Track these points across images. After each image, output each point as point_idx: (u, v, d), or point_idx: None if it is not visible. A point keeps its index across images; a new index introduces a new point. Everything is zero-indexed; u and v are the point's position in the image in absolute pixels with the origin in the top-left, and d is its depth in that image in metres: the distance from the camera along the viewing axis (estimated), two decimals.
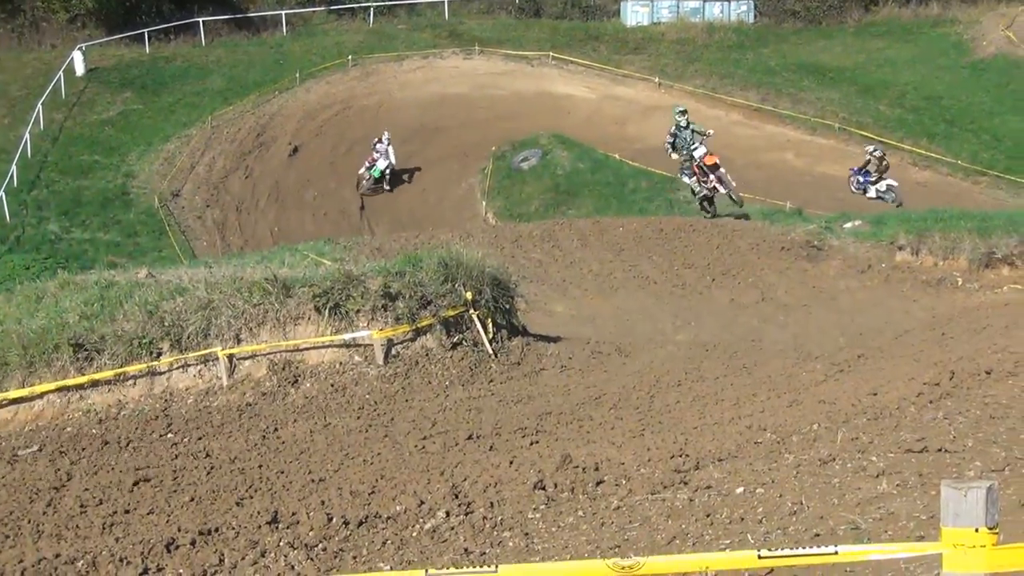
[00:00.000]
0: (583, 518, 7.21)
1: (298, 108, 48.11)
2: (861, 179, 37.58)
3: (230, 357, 12.83)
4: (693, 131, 28.41)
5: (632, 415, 10.61)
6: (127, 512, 8.92)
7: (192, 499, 9.10)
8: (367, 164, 41.51)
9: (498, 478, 8.24)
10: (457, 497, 7.85)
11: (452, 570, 6.52)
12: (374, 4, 58.09)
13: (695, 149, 28.01)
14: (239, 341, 12.96)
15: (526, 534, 7.09)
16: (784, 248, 24.07)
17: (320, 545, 7.41)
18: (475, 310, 14.08)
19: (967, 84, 50.80)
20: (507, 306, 14.86)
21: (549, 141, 41.94)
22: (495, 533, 7.22)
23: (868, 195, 37.14)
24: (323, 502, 8.27)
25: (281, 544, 7.44)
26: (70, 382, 12.38)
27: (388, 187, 41.72)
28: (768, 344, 16.13)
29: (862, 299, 21.32)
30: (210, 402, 12.49)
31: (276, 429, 11.47)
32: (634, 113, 46.78)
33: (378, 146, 41.16)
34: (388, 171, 41.45)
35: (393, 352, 13.35)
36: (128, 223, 38.90)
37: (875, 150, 38.07)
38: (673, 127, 28.54)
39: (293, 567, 7.12)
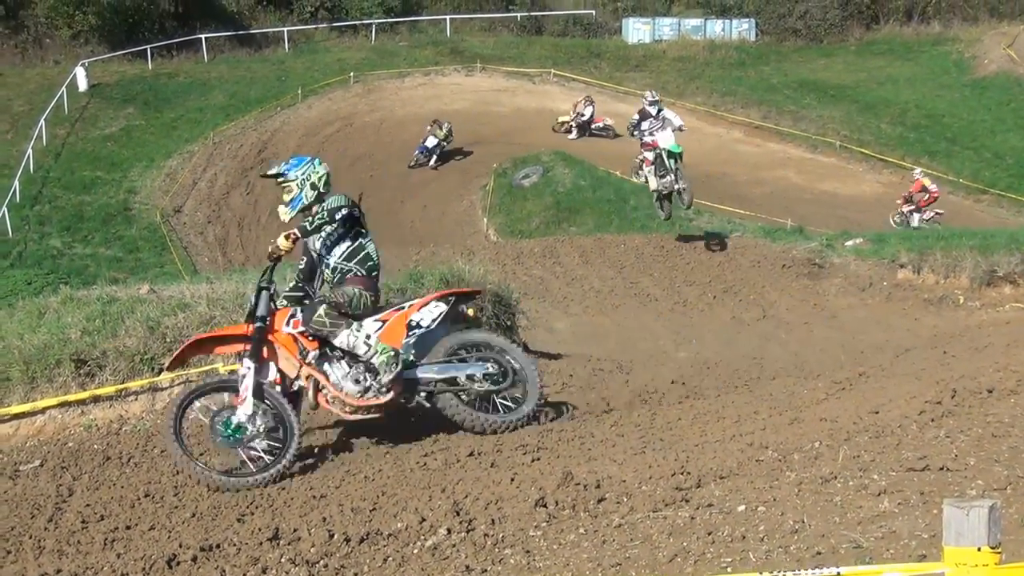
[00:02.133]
0: (584, 535, 7.20)
1: (300, 124, 48.29)
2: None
3: (231, 373, 12.82)
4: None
5: (633, 432, 10.60)
6: (128, 528, 8.91)
7: (193, 515, 9.10)
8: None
9: (499, 495, 8.23)
10: (458, 514, 7.85)
11: None
12: (376, 21, 58.33)
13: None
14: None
15: (527, 551, 7.08)
16: (785, 266, 24.11)
17: (321, 562, 7.40)
18: (477, 327, 14.08)
19: (968, 102, 50.99)
20: (508, 323, 14.86)
21: (550, 158, 42.04)
22: (496, 550, 7.21)
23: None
24: (324, 518, 8.27)
25: (282, 560, 7.43)
26: (72, 397, 12.38)
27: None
28: (769, 362, 16.13)
29: (863, 317, 21.33)
30: None
31: None
32: None
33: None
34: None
35: None
36: (130, 239, 38.99)
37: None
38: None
39: None
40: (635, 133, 25.39)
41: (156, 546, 8.16)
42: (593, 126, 47.59)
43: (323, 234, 10.60)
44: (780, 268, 24.13)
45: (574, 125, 47.54)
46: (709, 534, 6.57)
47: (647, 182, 25.91)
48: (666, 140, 24.40)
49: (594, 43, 59.14)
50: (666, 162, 24.32)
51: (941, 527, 4.06)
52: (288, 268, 12.15)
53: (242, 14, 58.70)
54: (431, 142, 44.63)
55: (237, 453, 10.06)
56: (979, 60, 54.78)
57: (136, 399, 12.59)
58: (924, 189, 36.91)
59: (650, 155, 24.96)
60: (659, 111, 25.15)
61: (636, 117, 25.49)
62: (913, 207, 36.90)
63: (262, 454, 10.02)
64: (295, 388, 10.46)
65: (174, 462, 10.03)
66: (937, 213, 36.52)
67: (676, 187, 24.39)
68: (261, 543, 7.80)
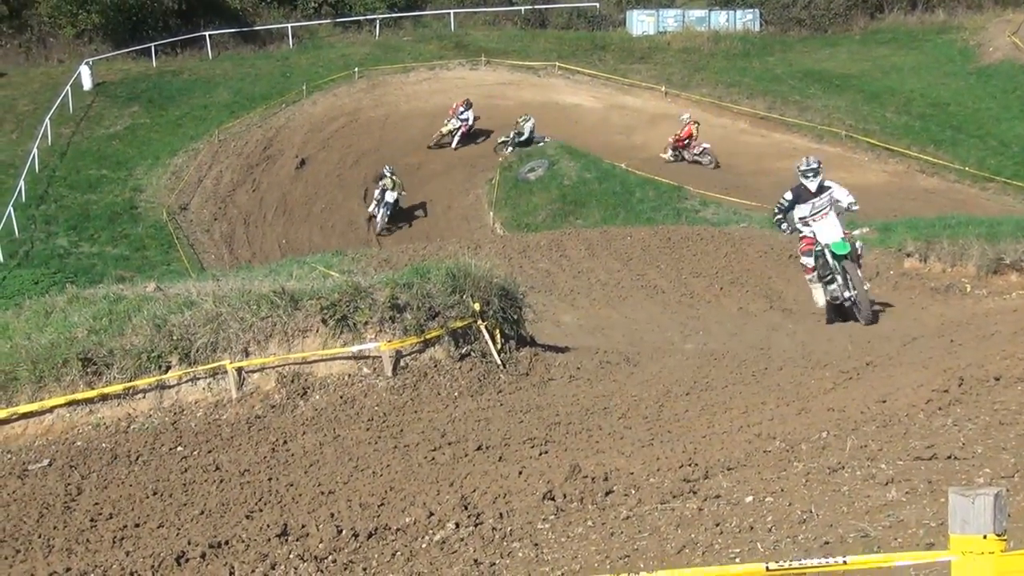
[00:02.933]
0: (592, 528, 7.21)
1: (305, 121, 48.25)
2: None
3: (239, 370, 12.84)
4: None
5: (641, 424, 10.61)
6: (137, 526, 8.94)
7: (202, 512, 9.12)
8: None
9: (507, 489, 8.24)
10: (466, 508, 7.86)
11: None
12: (380, 16, 58.29)
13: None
14: (247, 354, 12.98)
15: (536, 544, 7.09)
16: (792, 256, 24.03)
17: (330, 557, 7.42)
18: (483, 321, 14.08)
19: (973, 90, 50.83)
20: (515, 316, 14.85)
21: (556, 151, 42.01)
22: (505, 544, 7.22)
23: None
24: (333, 514, 8.28)
25: (291, 557, 7.45)
26: (79, 396, 12.40)
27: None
28: (777, 352, 16.10)
29: None
30: (219, 415, 12.50)
31: (285, 442, 11.48)
32: (640, 122, 46.87)
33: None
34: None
35: (401, 363, 13.36)
36: (136, 237, 39.01)
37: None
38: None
39: None
40: (784, 225, 19.01)
41: (165, 543, 8.18)
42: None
43: None
44: (787, 258, 24.08)
45: (457, 134, 45.28)
46: (717, 525, 6.57)
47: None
48: (828, 234, 18.34)
49: (598, 35, 59.04)
50: (830, 263, 18.37)
51: (948, 515, 4.06)
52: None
53: (246, 11, 58.69)
54: (391, 196, 39.45)
55: None
56: (984, 48, 54.60)
57: (144, 397, 12.62)
58: (691, 136, 43.00)
59: (809, 260, 18.94)
60: (820, 186, 18.59)
61: (787, 197, 18.84)
62: (684, 147, 43.04)
63: None
64: None
65: None
66: (705, 148, 43.05)
67: (847, 295, 18.27)
68: (270, 539, 7.82)
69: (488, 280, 14.48)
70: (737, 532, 6.41)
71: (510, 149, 43.83)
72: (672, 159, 42.93)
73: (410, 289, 13.75)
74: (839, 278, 18.12)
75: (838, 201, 18.46)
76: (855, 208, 18.85)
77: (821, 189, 18.44)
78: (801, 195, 18.45)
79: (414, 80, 52.26)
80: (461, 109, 45.50)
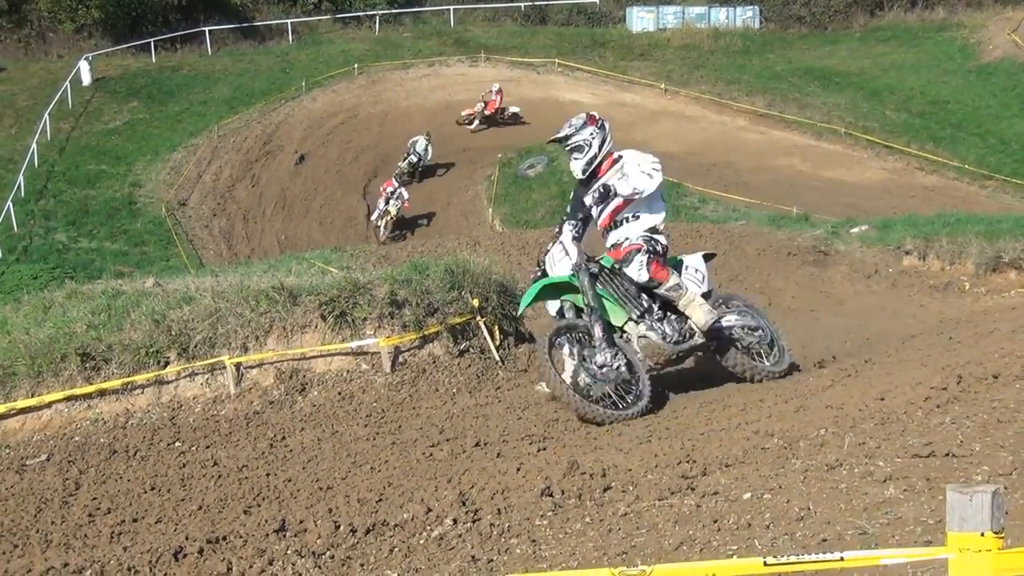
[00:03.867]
0: (590, 524, 7.20)
1: (304, 116, 48.27)
2: None
3: (237, 366, 12.84)
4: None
5: (639, 421, 10.60)
6: (135, 521, 8.94)
7: (200, 507, 9.12)
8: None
9: (505, 485, 8.23)
10: (464, 504, 7.85)
11: None
12: (380, 12, 58.28)
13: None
14: (246, 350, 12.98)
15: (533, 541, 7.08)
16: (791, 253, 24.04)
17: (328, 553, 7.41)
18: (482, 317, 14.08)
19: (973, 88, 50.87)
20: (513, 313, 14.85)
21: (556, 148, 41.95)
22: (502, 540, 7.22)
23: None
24: (331, 510, 8.27)
25: (289, 552, 7.44)
26: (78, 391, 12.39)
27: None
28: None
29: (869, 304, 21.27)
30: (217, 411, 12.50)
31: (283, 437, 11.49)
32: (640, 119, 46.88)
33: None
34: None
35: (400, 360, 13.36)
36: (135, 232, 39.02)
37: None
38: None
39: (301, 575, 7.12)
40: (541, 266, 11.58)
41: (163, 539, 8.18)
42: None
43: None
44: (786, 256, 24.07)
45: (389, 221, 38.55)
46: (715, 522, 6.56)
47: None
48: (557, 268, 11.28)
49: (598, 32, 59.10)
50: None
51: (945, 513, 4.05)
52: None
53: (245, 6, 58.72)
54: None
55: None
56: (984, 46, 54.63)
57: (142, 392, 12.61)
58: (500, 108, 47.40)
59: (552, 306, 11.67)
60: (597, 165, 11.05)
61: (566, 214, 11.69)
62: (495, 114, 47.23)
63: None
64: None
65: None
66: (513, 111, 47.76)
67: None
68: (267, 535, 7.81)
69: (487, 276, 14.48)
70: (735, 529, 6.40)
71: (418, 171, 43.41)
72: (483, 127, 47.29)
73: (409, 285, 13.74)
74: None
75: (625, 178, 10.73)
76: (641, 190, 10.79)
77: (611, 164, 11.01)
78: (577, 194, 11.45)
79: (414, 76, 52.30)
80: (391, 189, 39.21)
